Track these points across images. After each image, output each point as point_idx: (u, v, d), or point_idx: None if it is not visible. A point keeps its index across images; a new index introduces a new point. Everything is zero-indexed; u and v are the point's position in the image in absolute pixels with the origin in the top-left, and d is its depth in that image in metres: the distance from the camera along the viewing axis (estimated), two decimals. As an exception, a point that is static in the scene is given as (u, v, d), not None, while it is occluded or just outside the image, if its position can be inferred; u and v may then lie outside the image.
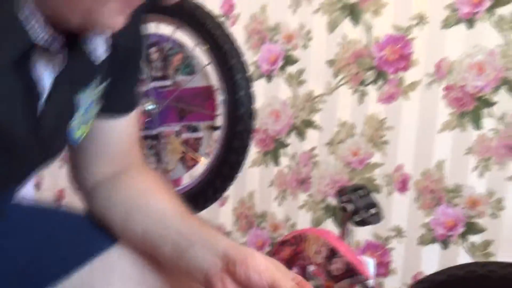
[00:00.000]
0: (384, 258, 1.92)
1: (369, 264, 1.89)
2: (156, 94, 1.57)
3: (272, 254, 1.14)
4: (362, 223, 1.23)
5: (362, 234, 1.92)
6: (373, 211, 1.25)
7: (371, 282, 1.08)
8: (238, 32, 2.06)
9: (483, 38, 1.71)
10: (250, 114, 1.39)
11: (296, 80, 2.01)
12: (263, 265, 0.66)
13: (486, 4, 1.69)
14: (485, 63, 1.71)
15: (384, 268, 1.92)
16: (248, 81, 1.41)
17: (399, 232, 1.88)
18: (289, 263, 1.08)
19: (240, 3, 2.09)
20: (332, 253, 1.04)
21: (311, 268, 1.10)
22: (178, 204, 0.78)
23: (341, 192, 1.24)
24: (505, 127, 1.71)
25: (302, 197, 2.04)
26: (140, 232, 0.76)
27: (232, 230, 2.21)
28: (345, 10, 1.90)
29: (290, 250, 1.09)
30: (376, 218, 1.25)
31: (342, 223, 1.24)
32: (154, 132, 1.58)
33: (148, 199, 0.78)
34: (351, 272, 1.03)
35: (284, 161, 2.07)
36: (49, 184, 2.50)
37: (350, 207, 1.22)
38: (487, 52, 1.71)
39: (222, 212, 2.22)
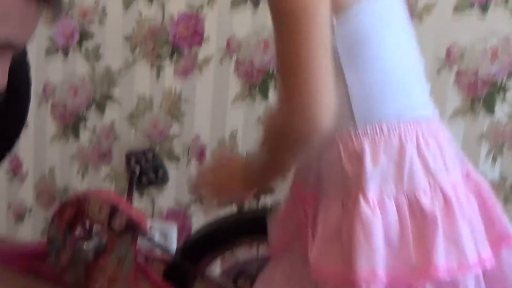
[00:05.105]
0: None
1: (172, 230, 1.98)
2: None
3: (56, 215, 1.18)
4: (149, 184, 1.32)
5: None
6: (160, 173, 1.34)
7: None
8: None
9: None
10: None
11: (94, 55, 2.04)
12: None
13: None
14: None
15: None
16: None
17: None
18: (73, 223, 1.13)
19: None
20: (113, 211, 1.11)
21: (97, 228, 1.16)
22: None
23: (129, 156, 1.31)
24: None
25: (105, 169, 2.09)
26: None
27: (33, 206, 2.18)
28: (139, -12, 1.96)
29: (73, 211, 1.14)
30: (162, 180, 1.34)
31: (129, 185, 1.31)
32: None
33: None
34: (132, 227, 1.11)
35: (85, 135, 2.09)
36: None
37: (138, 169, 1.30)
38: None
39: (23, 188, 2.18)
